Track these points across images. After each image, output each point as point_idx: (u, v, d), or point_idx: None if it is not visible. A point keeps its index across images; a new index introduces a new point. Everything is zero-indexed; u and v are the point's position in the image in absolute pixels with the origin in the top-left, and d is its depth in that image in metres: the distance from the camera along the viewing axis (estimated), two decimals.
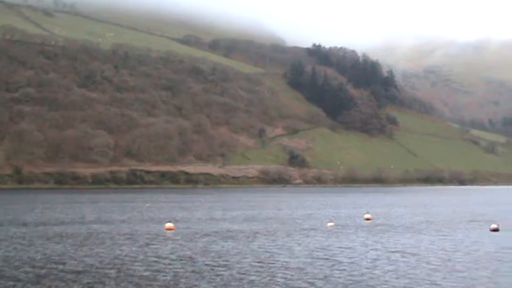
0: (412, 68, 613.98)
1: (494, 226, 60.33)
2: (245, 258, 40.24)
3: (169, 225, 61.37)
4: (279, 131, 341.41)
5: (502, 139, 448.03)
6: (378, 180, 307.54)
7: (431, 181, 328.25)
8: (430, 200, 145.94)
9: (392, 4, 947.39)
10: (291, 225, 65.69)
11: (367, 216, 76.24)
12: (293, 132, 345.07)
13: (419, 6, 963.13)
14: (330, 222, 66.78)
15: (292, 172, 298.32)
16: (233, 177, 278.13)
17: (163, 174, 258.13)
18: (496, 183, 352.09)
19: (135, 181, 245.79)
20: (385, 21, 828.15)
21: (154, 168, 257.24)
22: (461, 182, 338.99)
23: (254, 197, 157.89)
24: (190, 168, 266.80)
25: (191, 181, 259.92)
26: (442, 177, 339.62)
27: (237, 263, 37.92)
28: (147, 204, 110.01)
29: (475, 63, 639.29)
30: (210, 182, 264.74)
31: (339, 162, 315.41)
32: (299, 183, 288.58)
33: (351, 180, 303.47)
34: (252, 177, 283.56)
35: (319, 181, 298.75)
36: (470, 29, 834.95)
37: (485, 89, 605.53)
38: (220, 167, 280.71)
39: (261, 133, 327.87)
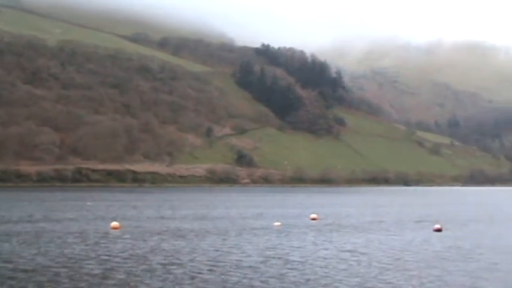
0: (360, 69, 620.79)
1: (437, 226, 61.41)
2: (197, 256, 40.08)
3: (115, 224, 60.65)
4: (227, 130, 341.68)
5: (446, 140, 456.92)
6: (325, 181, 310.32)
7: (377, 182, 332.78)
8: (376, 200, 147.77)
9: (341, 5, 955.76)
10: (239, 225, 65.66)
11: (313, 216, 76.58)
12: (241, 131, 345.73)
13: (366, 7, 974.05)
14: (276, 222, 66.95)
15: (240, 172, 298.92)
16: (180, 177, 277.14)
17: (109, 173, 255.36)
18: (440, 184, 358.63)
19: (80, 179, 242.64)
20: (334, 23, 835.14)
21: (100, 166, 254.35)
22: (407, 182, 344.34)
23: (202, 196, 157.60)
24: (138, 167, 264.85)
25: (138, 180, 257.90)
26: (388, 177, 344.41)
27: (190, 262, 37.74)
28: (88, 203, 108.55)
29: (422, 66, 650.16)
30: (157, 181, 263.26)
31: (286, 162, 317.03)
32: (246, 183, 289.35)
33: (298, 180, 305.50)
34: (200, 177, 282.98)
35: (266, 181, 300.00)
36: (417, 32, 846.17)
37: (431, 91, 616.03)
38: (167, 166, 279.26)
39: (209, 132, 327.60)
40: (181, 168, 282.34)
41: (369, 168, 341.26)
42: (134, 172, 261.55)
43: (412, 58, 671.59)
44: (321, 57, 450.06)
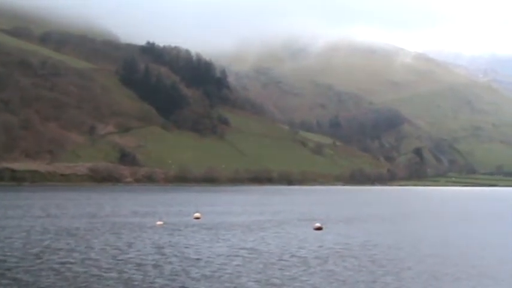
0: (244, 69, 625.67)
1: (317, 225, 63.44)
2: (96, 254, 40.07)
3: None
4: (110, 128, 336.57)
5: (329, 141, 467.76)
6: (209, 180, 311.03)
7: (260, 181, 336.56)
8: (260, 199, 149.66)
9: (225, 5, 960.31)
10: (122, 223, 65.50)
11: (196, 215, 77.22)
12: (125, 130, 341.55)
13: (250, 7, 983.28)
14: (159, 221, 67.15)
15: (123, 170, 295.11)
16: (61, 175, 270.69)
17: None
18: (322, 183, 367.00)
19: None
20: (219, 22, 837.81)
21: None
22: (290, 182, 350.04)
23: (83, 195, 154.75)
24: (16, 165, 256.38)
25: (17, 178, 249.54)
26: (271, 177, 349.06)
27: (88, 260, 37.68)
28: None
29: (305, 67, 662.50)
30: (37, 179, 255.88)
31: (170, 161, 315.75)
32: (130, 182, 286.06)
33: (182, 179, 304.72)
34: (82, 175, 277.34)
35: (150, 180, 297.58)
36: (301, 34, 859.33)
37: (314, 92, 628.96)
38: (48, 164, 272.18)
39: (92, 130, 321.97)
40: (62, 166, 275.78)
41: (253, 168, 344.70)
42: (13, 170, 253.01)
43: (295, 59, 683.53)
44: (206, 57, 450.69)
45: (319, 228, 61.86)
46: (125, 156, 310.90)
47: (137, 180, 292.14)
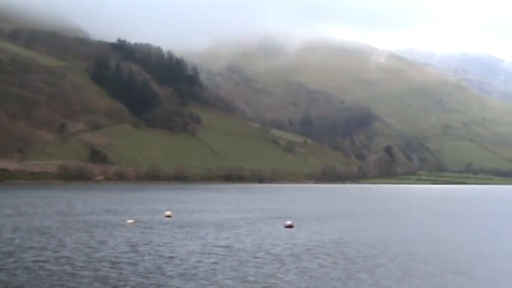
0: (216, 67, 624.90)
1: (288, 223, 63.68)
2: (69, 253, 39.82)
3: None
4: (80, 126, 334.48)
5: (300, 139, 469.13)
6: (180, 178, 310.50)
7: (232, 179, 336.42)
8: (231, 197, 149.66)
9: (200, 3, 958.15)
10: (95, 222, 65.09)
11: (167, 213, 76.93)
12: (95, 128, 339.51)
13: (223, 5, 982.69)
14: (130, 219, 66.86)
15: (94, 169, 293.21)
16: (31, 173, 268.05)
17: None
18: (293, 181, 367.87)
19: None
20: (191, 20, 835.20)
21: None
22: (261, 180, 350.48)
23: (53, 193, 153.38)
24: None
25: None
26: (243, 175, 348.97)
27: (62, 258, 37.43)
28: None
29: (277, 65, 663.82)
30: (6, 178, 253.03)
31: (141, 159, 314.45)
32: (100, 180, 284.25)
33: (153, 177, 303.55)
34: (52, 174, 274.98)
35: (121, 178, 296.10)
36: (273, 32, 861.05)
37: (286, 90, 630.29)
38: (17, 162, 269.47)
39: (62, 128, 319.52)
40: (32, 165, 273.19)
41: (224, 166, 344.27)
42: None
43: (269, 58, 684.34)
44: (178, 54, 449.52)
45: (290, 226, 62.08)
46: (95, 154, 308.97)
47: (108, 179, 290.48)
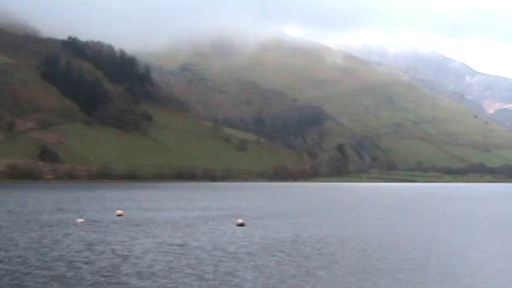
0: (168, 65, 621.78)
1: (240, 221, 63.72)
2: (23, 252, 39.17)
3: None
4: (30, 124, 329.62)
5: (252, 137, 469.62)
6: (132, 176, 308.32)
7: (184, 177, 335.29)
8: (183, 196, 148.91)
9: (156, 2, 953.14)
10: (46, 221, 64.15)
11: (119, 212, 76.35)
12: (45, 126, 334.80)
13: (181, 3, 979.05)
14: (80, 218, 66.01)
15: (44, 167, 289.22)
16: None
17: None
18: (246, 179, 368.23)
19: None
20: (143, 17, 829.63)
21: None
22: (214, 178, 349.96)
23: (2, 192, 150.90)
24: None
25: None
26: (195, 173, 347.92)
27: (17, 258, 36.85)
28: None
29: (230, 64, 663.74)
30: None
31: (92, 158, 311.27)
32: (50, 179, 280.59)
33: (104, 176, 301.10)
34: (0, 173, 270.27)
35: (71, 177, 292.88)
36: (225, 32, 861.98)
37: (238, 89, 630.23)
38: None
39: (11, 126, 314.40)
40: None
41: (177, 164, 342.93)
42: None
43: (222, 57, 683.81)
44: (130, 52, 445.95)
45: (241, 225, 62.06)
46: (45, 152, 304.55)
47: (58, 178, 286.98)
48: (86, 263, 35.64)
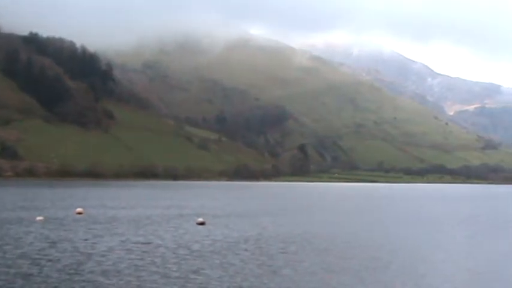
0: (130, 62, 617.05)
1: (200, 220, 63.88)
2: None
3: None
4: None
5: (214, 136, 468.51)
6: (93, 174, 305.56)
7: (145, 176, 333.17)
8: (144, 194, 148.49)
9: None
10: (5, 218, 63.47)
11: (79, 210, 75.89)
12: (5, 122, 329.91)
13: (143, 2, 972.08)
14: (39, 216, 65.40)
15: (3, 164, 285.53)
16: None
17: None
18: (207, 178, 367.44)
19: None
20: (105, 14, 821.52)
21: None
22: (175, 177, 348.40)
23: None
24: None
25: None
26: (156, 172, 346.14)
27: None
28: None
29: (192, 62, 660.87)
30: None
31: (53, 155, 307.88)
32: (9, 176, 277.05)
33: (65, 173, 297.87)
34: None
35: (31, 174, 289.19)
36: (190, 29, 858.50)
37: (200, 87, 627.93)
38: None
39: None
40: None
41: (138, 163, 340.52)
42: None
43: (183, 54, 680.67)
44: (92, 49, 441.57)
45: (201, 223, 62.18)
46: (4, 149, 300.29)
47: (18, 175, 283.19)
48: (50, 260, 35.40)
